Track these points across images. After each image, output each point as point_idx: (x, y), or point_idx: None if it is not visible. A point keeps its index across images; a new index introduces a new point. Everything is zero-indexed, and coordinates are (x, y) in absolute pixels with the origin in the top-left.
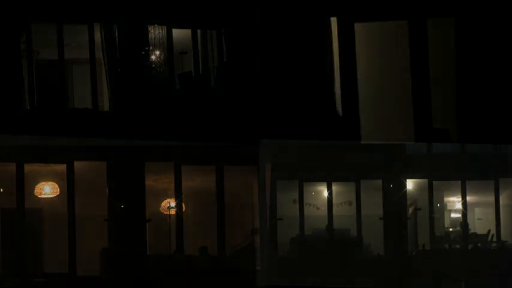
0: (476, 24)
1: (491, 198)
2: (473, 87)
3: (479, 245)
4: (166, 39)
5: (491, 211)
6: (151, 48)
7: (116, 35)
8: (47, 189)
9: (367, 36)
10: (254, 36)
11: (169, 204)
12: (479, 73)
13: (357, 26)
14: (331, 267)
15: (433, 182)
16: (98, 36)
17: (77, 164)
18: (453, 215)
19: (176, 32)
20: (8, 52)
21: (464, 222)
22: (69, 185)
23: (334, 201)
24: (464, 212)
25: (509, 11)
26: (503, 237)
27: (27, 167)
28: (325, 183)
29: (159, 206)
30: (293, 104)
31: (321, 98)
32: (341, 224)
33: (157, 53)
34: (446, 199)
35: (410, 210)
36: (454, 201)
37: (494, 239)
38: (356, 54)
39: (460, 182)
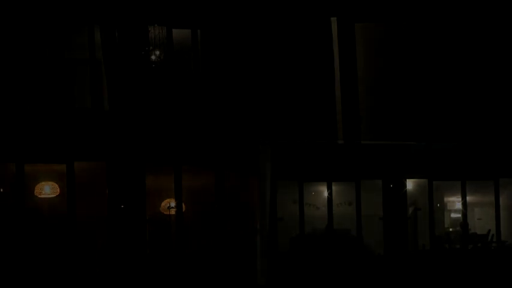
0: (476, 24)
1: (491, 198)
2: (474, 87)
3: (479, 245)
4: (166, 39)
5: (491, 211)
6: (151, 48)
7: (116, 36)
8: (47, 189)
9: (367, 36)
10: (254, 36)
11: (169, 204)
12: (478, 73)
13: (357, 26)
14: (331, 267)
15: (433, 182)
16: (97, 36)
17: (77, 164)
18: (453, 215)
19: (176, 32)
20: (8, 52)
21: (464, 222)
22: (69, 185)
23: (334, 201)
24: (464, 212)
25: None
26: (503, 237)
27: (27, 167)
28: (325, 183)
29: (159, 206)
30: (293, 104)
31: (321, 98)
32: (341, 224)
33: (158, 53)
34: (446, 199)
35: (410, 210)
36: (454, 201)
37: (494, 239)
38: (356, 54)
39: (460, 182)
